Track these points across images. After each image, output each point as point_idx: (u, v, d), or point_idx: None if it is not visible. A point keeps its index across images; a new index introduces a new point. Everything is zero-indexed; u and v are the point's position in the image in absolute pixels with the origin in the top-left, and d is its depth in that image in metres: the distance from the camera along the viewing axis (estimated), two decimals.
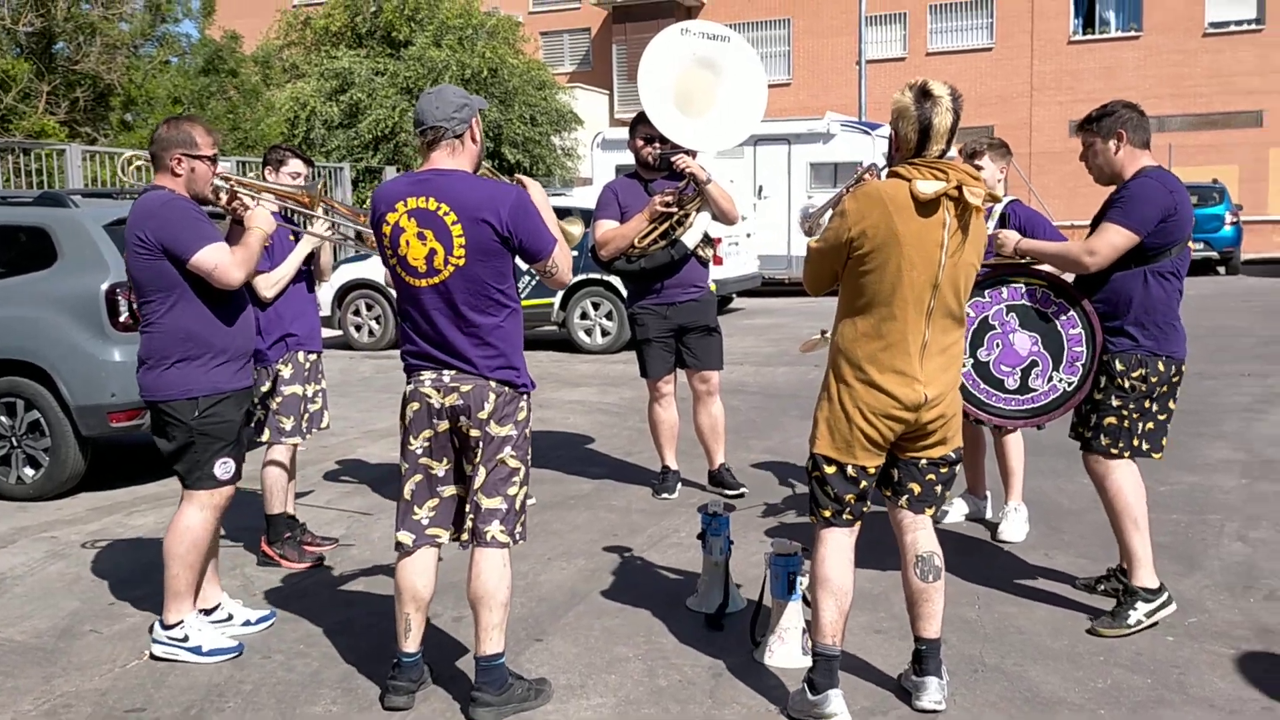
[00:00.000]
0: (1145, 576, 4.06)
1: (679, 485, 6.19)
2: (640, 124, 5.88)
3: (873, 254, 3.22)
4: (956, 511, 5.48)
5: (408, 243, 3.38)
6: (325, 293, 12.88)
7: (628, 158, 6.09)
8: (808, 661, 3.74)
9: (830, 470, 3.38)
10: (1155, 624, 4.02)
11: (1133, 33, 30.14)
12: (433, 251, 3.36)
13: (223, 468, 4.01)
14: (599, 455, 7.28)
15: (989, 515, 5.46)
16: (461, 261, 3.34)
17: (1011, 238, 4.39)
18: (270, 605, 4.52)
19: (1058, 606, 4.30)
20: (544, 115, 23.98)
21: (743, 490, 6.04)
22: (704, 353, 6.02)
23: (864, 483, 3.37)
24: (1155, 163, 4.12)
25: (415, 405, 3.46)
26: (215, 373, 3.97)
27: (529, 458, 3.54)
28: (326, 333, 12.35)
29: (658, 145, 5.84)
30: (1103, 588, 4.39)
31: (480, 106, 3.53)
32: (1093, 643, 3.96)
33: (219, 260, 3.88)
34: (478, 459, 3.42)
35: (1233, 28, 29.27)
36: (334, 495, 6.36)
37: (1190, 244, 4.16)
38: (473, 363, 3.40)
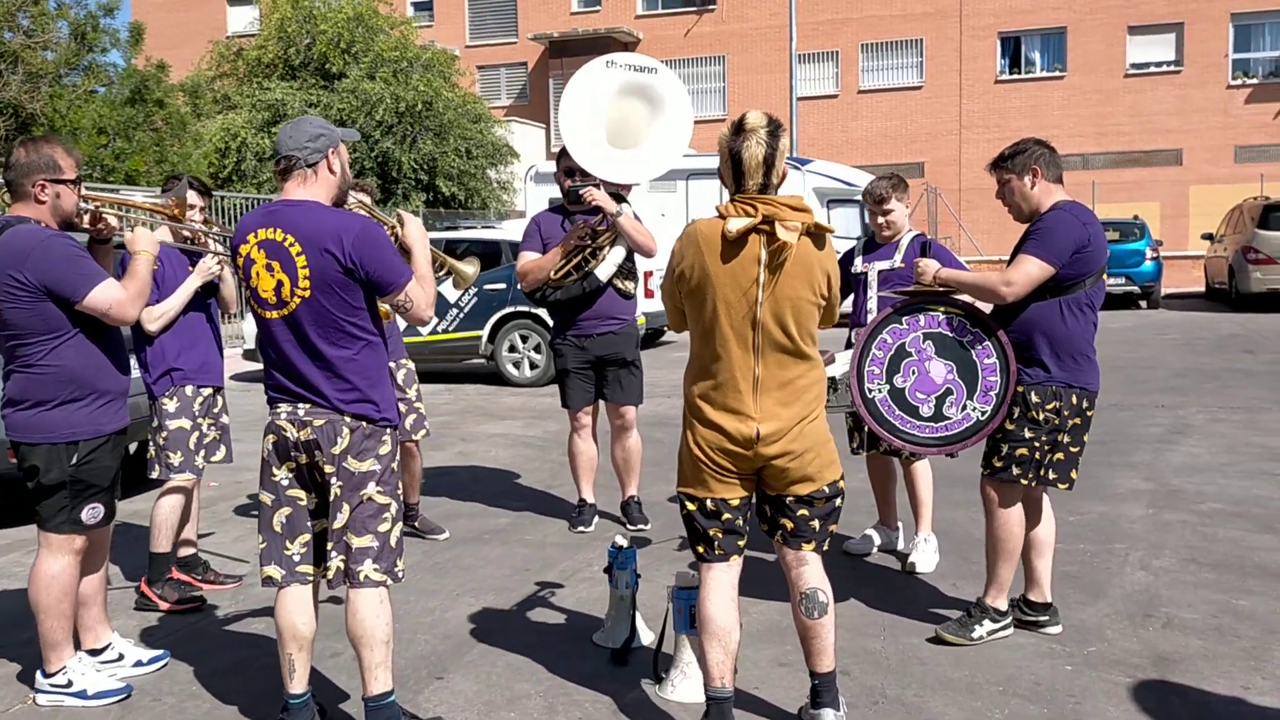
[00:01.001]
0: (1001, 601, 4.27)
1: (595, 518, 6.14)
2: (563, 157, 5.87)
3: (693, 293, 3.26)
4: (868, 543, 5.50)
5: (258, 274, 3.32)
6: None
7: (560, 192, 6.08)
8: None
9: (692, 506, 3.37)
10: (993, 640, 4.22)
11: (1057, 73, 30.97)
12: (280, 283, 3.30)
13: (90, 513, 3.85)
14: (519, 489, 7.22)
15: (900, 546, 5.49)
16: (307, 293, 3.28)
17: (931, 266, 4.38)
18: (164, 645, 4.38)
19: None
20: (479, 148, 23.96)
21: (642, 526, 6.01)
22: (621, 387, 6.00)
23: (726, 515, 3.33)
24: (1069, 197, 4.20)
25: (272, 438, 3.40)
26: (99, 413, 3.82)
27: (399, 493, 3.46)
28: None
29: (578, 178, 5.83)
30: (1015, 616, 4.41)
31: (345, 138, 3.49)
32: (992, 673, 3.98)
33: (113, 298, 3.72)
34: (339, 495, 3.34)
35: (1153, 69, 30.21)
36: (243, 532, 6.22)
37: (1106, 277, 4.23)
38: (326, 397, 3.33)
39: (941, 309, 4.29)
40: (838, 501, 3.41)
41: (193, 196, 4.86)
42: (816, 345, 3.36)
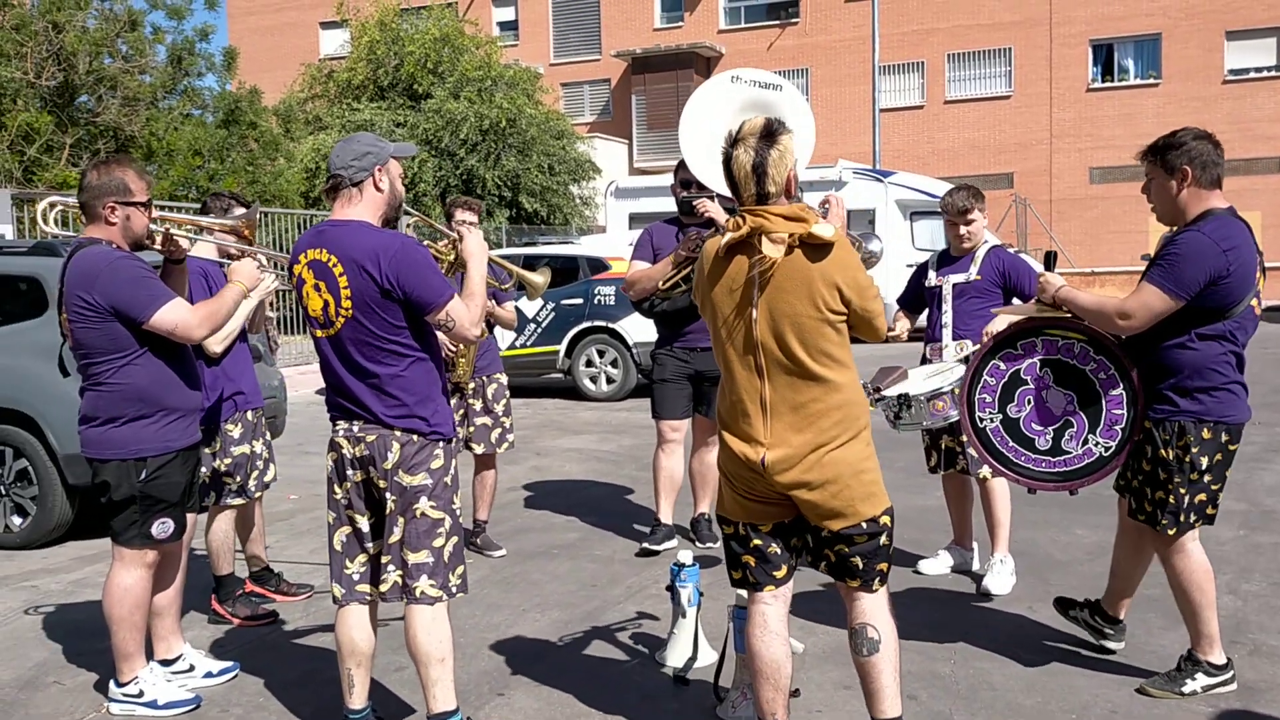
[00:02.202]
0: (1215, 655, 3.83)
1: (667, 540, 6.08)
2: (680, 169, 5.88)
3: (704, 312, 3.20)
4: (942, 564, 5.38)
5: (308, 294, 3.37)
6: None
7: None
8: None
9: (727, 530, 3.26)
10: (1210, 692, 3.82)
11: (1151, 80, 30.13)
12: (326, 303, 3.34)
13: (160, 528, 3.90)
14: (591, 503, 7.22)
15: (975, 567, 5.35)
16: (349, 313, 3.30)
17: (1054, 283, 3.91)
18: (234, 657, 4.46)
19: (1035, 662, 4.19)
20: (562, 164, 24.18)
21: (711, 545, 5.94)
22: (714, 402, 5.94)
23: (756, 541, 3.16)
24: (1225, 204, 3.68)
25: (333, 455, 3.45)
26: (167, 430, 3.87)
27: (454, 507, 3.45)
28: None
29: (694, 189, 5.83)
30: (1073, 613, 4.26)
31: (399, 154, 3.47)
32: (1065, 699, 3.84)
33: (180, 319, 3.77)
34: (393, 510, 3.36)
35: (1252, 74, 29.22)
36: (318, 545, 6.31)
37: (1257, 302, 3.67)
38: (374, 413, 3.35)
39: (1060, 333, 3.92)
40: (882, 540, 3.12)
41: (240, 211, 4.84)
42: (844, 365, 3.08)
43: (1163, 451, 3.74)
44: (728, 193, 5.58)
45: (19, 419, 6.32)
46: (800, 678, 4.05)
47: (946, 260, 5.23)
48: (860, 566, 3.12)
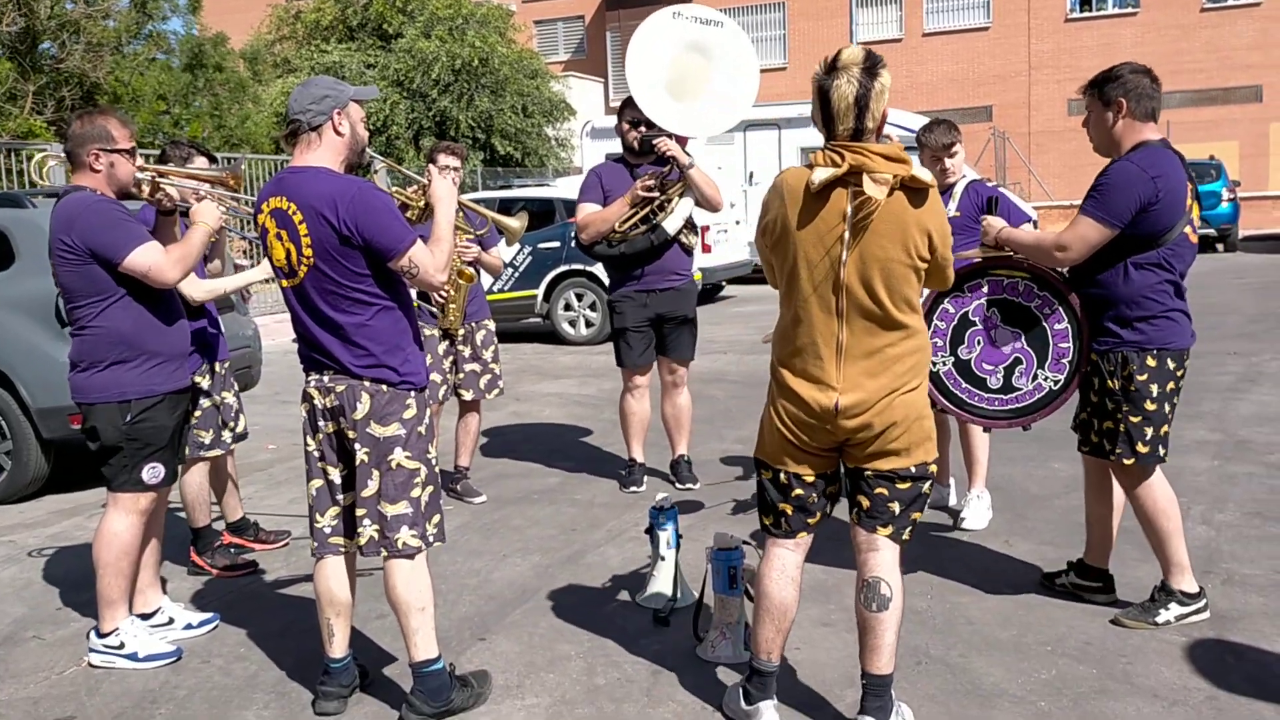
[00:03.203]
0: (1186, 583, 3.89)
1: (645, 478, 6.12)
2: (627, 108, 5.80)
3: (777, 247, 3.01)
4: None
5: (271, 244, 3.32)
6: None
7: (618, 147, 6.02)
8: (749, 656, 3.69)
9: (765, 475, 3.17)
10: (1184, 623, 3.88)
11: (1130, 9, 29.94)
12: (289, 252, 3.28)
13: (150, 472, 3.93)
14: (570, 448, 7.22)
15: (952, 502, 5.39)
16: (311, 261, 3.25)
17: (995, 225, 4.04)
18: (214, 608, 4.46)
19: (1011, 596, 4.23)
20: (536, 105, 23.88)
21: (690, 485, 5.97)
22: (676, 343, 5.94)
23: (798, 491, 3.10)
24: (1159, 136, 3.78)
25: (305, 406, 3.42)
26: (150, 374, 3.90)
27: (429, 456, 3.43)
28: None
29: (643, 129, 5.75)
30: (1060, 582, 4.28)
31: (359, 96, 3.40)
32: (1041, 632, 3.89)
33: (152, 261, 3.79)
34: (366, 463, 3.33)
35: (1230, 2, 29.04)
36: (298, 494, 6.30)
37: (1191, 231, 3.77)
38: (342, 363, 3.31)
39: (1004, 273, 4.00)
40: (924, 486, 3.09)
41: (202, 161, 4.86)
42: (917, 311, 3.03)
43: (1109, 382, 3.82)
44: (674, 130, 5.59)
45: None
46: None
47: None
48: (897, 512, 3.06)
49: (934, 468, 3.11)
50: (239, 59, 21.84)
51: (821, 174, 2.86)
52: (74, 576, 4.97)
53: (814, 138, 18.14)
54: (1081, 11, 30.62)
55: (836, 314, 2.95)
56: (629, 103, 5.75)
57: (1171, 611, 3.87)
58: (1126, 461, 3.83)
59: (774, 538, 3.19)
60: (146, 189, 4.02)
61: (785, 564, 3.17)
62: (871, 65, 2.87)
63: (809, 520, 3.15)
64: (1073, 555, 4.39)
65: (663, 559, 4.28)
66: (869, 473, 3.06)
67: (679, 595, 4.26)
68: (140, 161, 4.03)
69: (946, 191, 5.09)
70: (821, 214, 2.91)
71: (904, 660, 3.67)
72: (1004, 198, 5.03)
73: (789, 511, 3.13)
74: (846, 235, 2.88)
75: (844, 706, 3.39)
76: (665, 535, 4.25)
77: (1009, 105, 30.83)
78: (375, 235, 3.22)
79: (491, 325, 6.09)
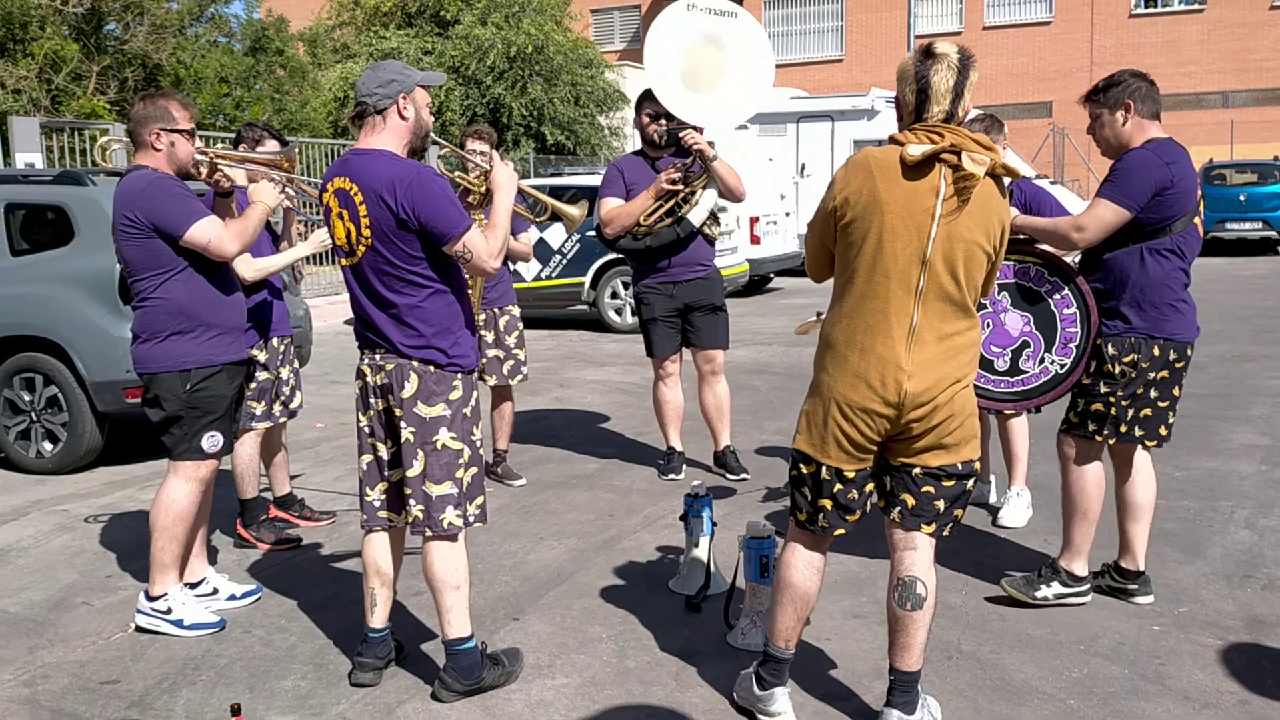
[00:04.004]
0: (1077, 566, 4.07)
1: (684, 466, 6.15)
2: (646, 101, 5.84)
3: (855, 222, 2.93)
4: None
5: (334, 223, 3.40)
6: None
7: None
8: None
9: (806, 469, 3.08)
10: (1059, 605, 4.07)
11: (1196, 6, 29.33)
12: (349, 232, 3.36)
13: (210, 440, 4.07)
14: (611, 435, 7.27)
15: (992, 499, 5.36)
16: (369, 242, 3.32)
17: (1011, 213, 4.23)
18: (260, 580, 4.56)
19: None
20: (589, 94, 23.92)
21: (744, 475, 5.98)
22: (709, 332, 5.97)
23: (839, 487, 3.04)
24: (1165, 135, 3.94)
25: (359, 383, 3.50)
26: (209, 345, 4.04)
27: (474, 438, 3.49)
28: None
29: (664, 122, 5.79)
30: (1097, 582, 4.24)
31: (426, 82, 3.47)
32: (1074, 631, 3.87)
33: (212, 234, 3.94)
34: (411, 442, 3.39)
35: None
36: (343, 472, 6.41)
37: (1200, 221, 3.95)
38: (393, 342, 3.38)
39: (1016, 258, 4.11)
40: (969, 484, 3.06)
41: (273, 145, 4.99)
42: (976, 301, 3.02)
43: (1108, 366, 3.92)
44: (695, 121, 5.59)
45: (49, 346, 6.42)
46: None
47: None
48: (941, 510, 3.04)
49: (979, 465, 3.09)
50: (299, 42, 22.06)
51: (920, 148, 2.86)
52: (124, 546, 5.10)
53: (866, 130, 18.09)
54: (1146, 7, 30.06)
55: (915, 293, 2.90)
56: (648, 95, 5.78)
57: (1051, 589, 4.06)
58: (1110, 442, 3.98)
59: (804, 531, 3.15)
60: (205, 169, 4.17)
61: (812, 555, 3.16)
62: (966, 59, 2.96)
63: (848, 518, 3.09)
64: (1113, 555, 4.35)
65: (696, 546, 4.31)
66: (917, 470, 3.02)
67: (711, 582, 4.29)
68: (199, 144, 4.15)
69: None
70: (913, 189, 2.88)
71: (934, 655, 3.68)
72: (1049, 197, 4.98)
73: (828, 507, 3.07)
74: (939, 211, 2.87)
75: (871, 698, 3.40)
76: (700, 523, 4.28)
77: (1069, 101, 30.29)
78: (431, 219, 3.28)
79: (516, 311, 6.11)
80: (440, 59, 23.00)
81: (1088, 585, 4.08)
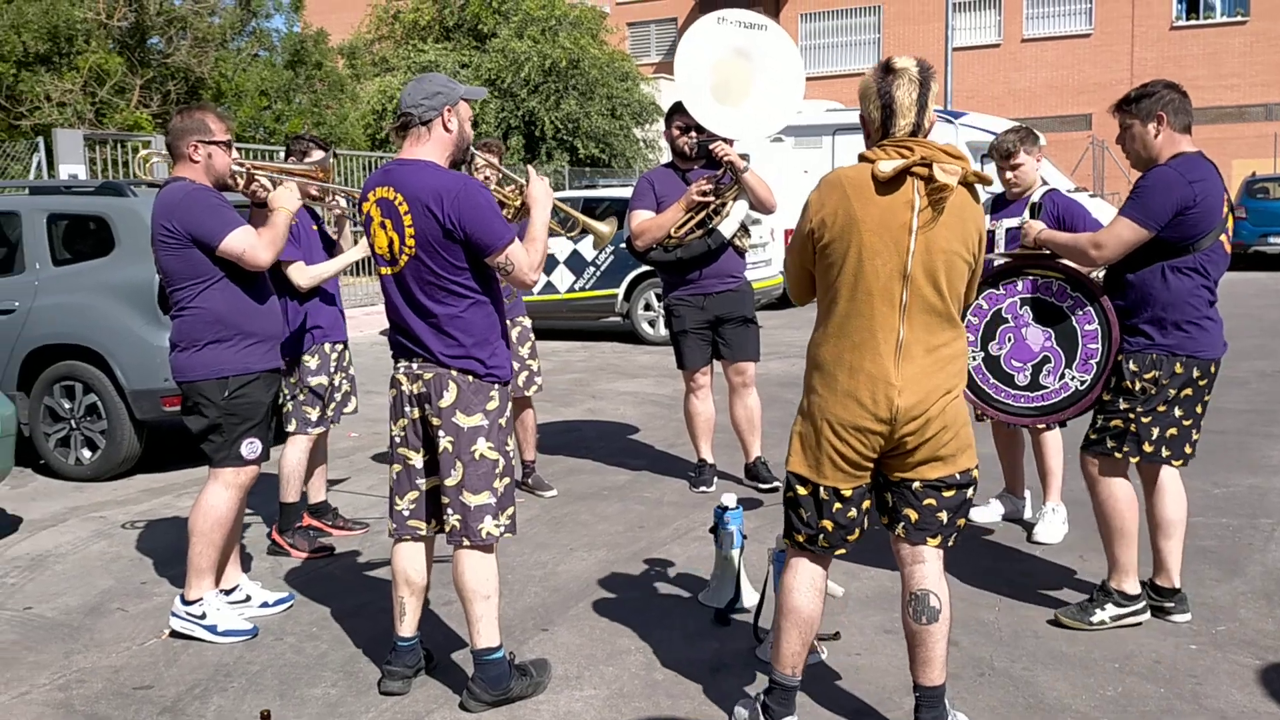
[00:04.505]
0: (1128, 584, 3.97)
1: (715, 479, 6.14)
2: (677, 113, 5.86)
3: (833, 243, 2.95)
4: (993, 511, 5.33)
5: (375, 232, 3.43)
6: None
7: None
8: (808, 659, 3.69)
9: (803, 491, 3.07)
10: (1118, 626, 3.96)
11: (1239, 18, 29.02)
12: (391, 241, 3.39)
13: (249, 447, 4.12)
14: (642, 447, 7.27)
15: (1027, 515, 5.30)
16: (412, 251, 3.35)
17: (1034, 227, 4.21)
18: (293, 588, 4.60)
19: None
20: (625, 107, 24.00)
21: (777, 485, 5.96)
22: (740, 344, 5.96)
23: (837, 506, 3.03)
24: (1195, 149, 3.88)
25: (393, 391, 3.52)
26: (245, 353, 4.09)
27: (508, 449, 3.52)
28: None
29: (694, 134, 5.81)
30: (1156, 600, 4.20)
31: (469, 96, 3.51)
32: (1110, 649, 3.81)
33: (247, 244, 4.00)
34: (450, 451, 3.41)
35: None
36: (376, 481, 6.45)
37: (1226, 239, 3.88)
38: (433, 351, 3.41)
39: (1039, 273, 4.09)
40: (969, 493, 3.07)
41: (319, 155, 5.07)
42: (960, 310, 3.04)
43: (1127, 383, 3.87)
44: (726, 134, 5.60)
45: (89, 355, 6.51)
46: (842, 621, 4.08)
47: (1001, 204, 5.12)
48: (944, 521, 3.05)
49: (975, 473, 3.09)
50: (338, 55, 22.32)
51: (891, 163, 2.88)
52: (160, 552, 5.16)
53: None
54: (1188, 19, 29.77)
55: (899, 308, 2.92)
56: (678, 108, 5.81)
57: (1108, 611, 3.96)
58: (1133, 460, 3.90)
59: (805, 552, 3.12)
60: (242, 180, 4.23)
61: (814, 575, 3.13)
62: (925, 70, 2.98)
63: (848, 538, 3.08)
64: (1148, 572, 4.29)
65: (726, 559, 4.30)
66: (917, 484, 3.02)
67: (741, 595, 4.27)
68: (237, 155, 4.22)
69: (1023, 200, 5.01)
70: (888, 204, 2.91)
71: (966, 671, 3.65)
72: (1082, 210, 4.93)
73: (829, 528, 3.06)
74: (915, 224, 2.89)
75: (902, 714, 3.37)
76: (729, 535, 4.27)
77: (1109, 114, 30.10)
78: (477, 230, 3.31)
79: (527, 323, 6.13)
80: (477, 72, 23.17)
81: (1144, 602, 3.98)
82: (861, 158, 3.00)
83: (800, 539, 3.11)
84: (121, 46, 17.19)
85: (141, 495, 6.27)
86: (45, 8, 15.53)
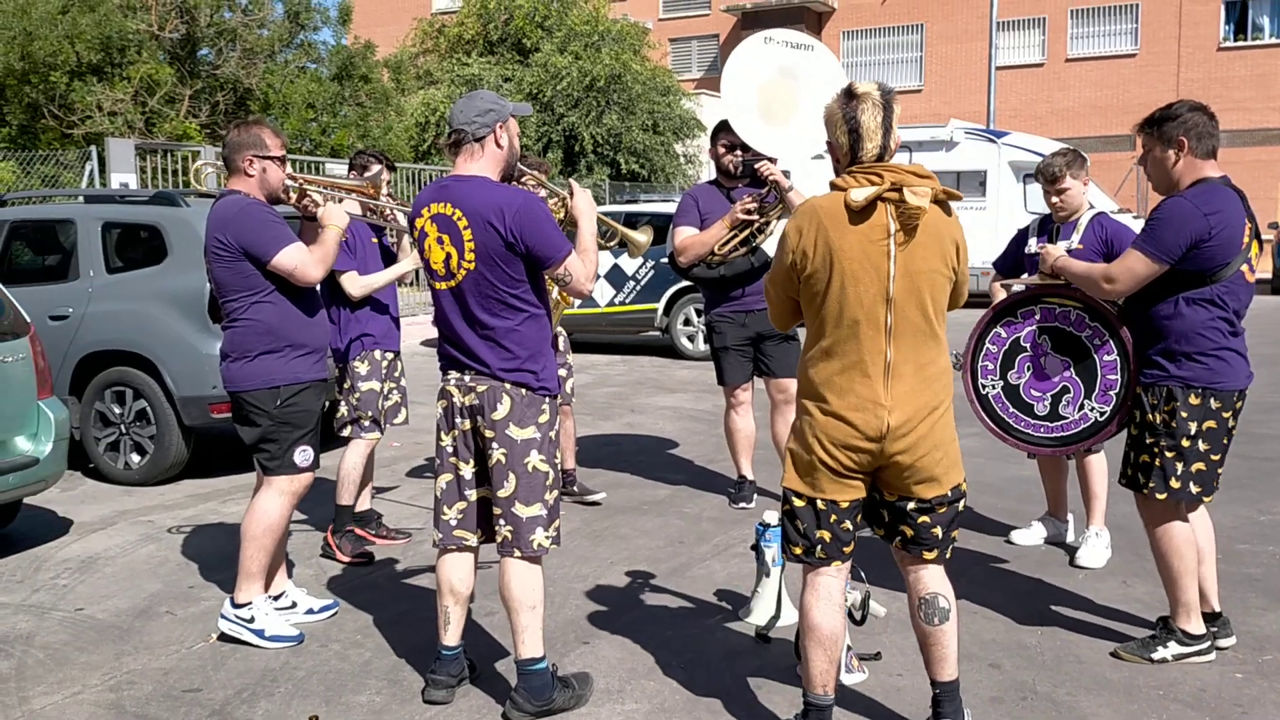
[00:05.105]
0: (1192, 624, 3.87)
1: (755, 495, 6.15)
2: (722, 132, 5.90)
3: (815, 274, 3.02)
4: (1035, 534, 5.31)
5: (430, 247, 3.48)
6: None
7: None
8: (848, 679, 3.69)
9: (799, 504, 3.13)
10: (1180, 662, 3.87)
11: None
12: (449, 255, 3.44)
13: (302, 455, 4.19)
14: (681, 462, 7.29)
15: (1070, 539, 5.27)
16: (471, 265, 3.40)
17: (1053, 253, 4.13)
18: (337, 595, 4.66)
19: (1126, 637, 4.12)
20: (666, 122, 24.08)
21: None
22: (781, 361, 5.97)
23: (835, 517, 3.10)
24: (1219, 174, 3.75)
25: (443, 403, 3.57)
26: (295, 364, 4.16)
27: (556, 461, 3.56)
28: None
29: (740, 153, 5.85)
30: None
31: (517, 113, 3.58)
32: (1154, 675, 3.79)
33: (298, 261, 4.08)
34: (503, 463, 3.45)
35: None
36: (418, 491, 6.51)
37: (1248, 269, 3.74)
38: (488, 364, 3.46)
39: (1057, 301, 4.07)
40: (960, 506, 3.17)
41: (379, 168, 5.20)
42: (944, 325, 3.12)
43: (1149, 416, 3.81)
44: (772, 153, 5.63)
45: (139, 361, 6.63)
46: (883, 641, 4.08)
47: (1048, 227, 5.10)
48: (939, 536, 3.13)
49: (964, 487, 3.17)
50: (384, 68, 22.58)
51: (863, 192, 2.95)
52: (206, 558, 5.24)
53: (944, 161, 17.98)
54: (1235, 40, 29.48)
55: (884, 331, 2.99)
56: (723, 126, 5.86)
57: (1170, 649, 3.87)
58: (1159, 496, 3.80)
59: (815, 566, 3.17)
60: (294, 195, 4.31)
61: (831, 591, 3.17)
62: (887, 94, 3.04)
63: (844, 549, 3.15)
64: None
65: (767, 576, 4.31)
66: (911, 504, 3.10)
67: (782, 613, 4.28)
68: (289, 169, 4.31)
69: (1071, 223, 4.98)
70: (864, 231, 2.98)
71: (1009, 695, 3.64)
72: (1130, 234, 4.89)
73: (826, 539, 3.12)
74: (893, 248, 2.96)
75: None
76: (771, 552, 4.28)
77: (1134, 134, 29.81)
78: (537, 243, 3.38)
79: (563, 332, 6.20)
80: (519, 86, 23.35)
81: (1208, 643, 3.87)
82: (833, 185, 3.06)
83: (797, 550, 3.18)
84: (172, 57, 17.50)
85: (188, 500, 6.37)
86: (99, 19, 15.84)
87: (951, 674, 3.18)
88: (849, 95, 3.05)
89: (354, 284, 5.08)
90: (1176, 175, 3.77)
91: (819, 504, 3.11)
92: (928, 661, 3.22)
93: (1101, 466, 5.05)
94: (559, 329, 6.15)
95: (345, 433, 5.22)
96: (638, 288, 12.52)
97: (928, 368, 3.05)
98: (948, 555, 3.19)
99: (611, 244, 5.87)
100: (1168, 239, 3.65)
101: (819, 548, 3.13)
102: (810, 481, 3.11)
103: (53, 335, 6.60)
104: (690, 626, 4.31)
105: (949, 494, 3.11)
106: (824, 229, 3.01)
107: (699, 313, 12.39)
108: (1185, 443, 3.76)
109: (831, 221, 3.01)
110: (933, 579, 3.17)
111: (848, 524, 3.13)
